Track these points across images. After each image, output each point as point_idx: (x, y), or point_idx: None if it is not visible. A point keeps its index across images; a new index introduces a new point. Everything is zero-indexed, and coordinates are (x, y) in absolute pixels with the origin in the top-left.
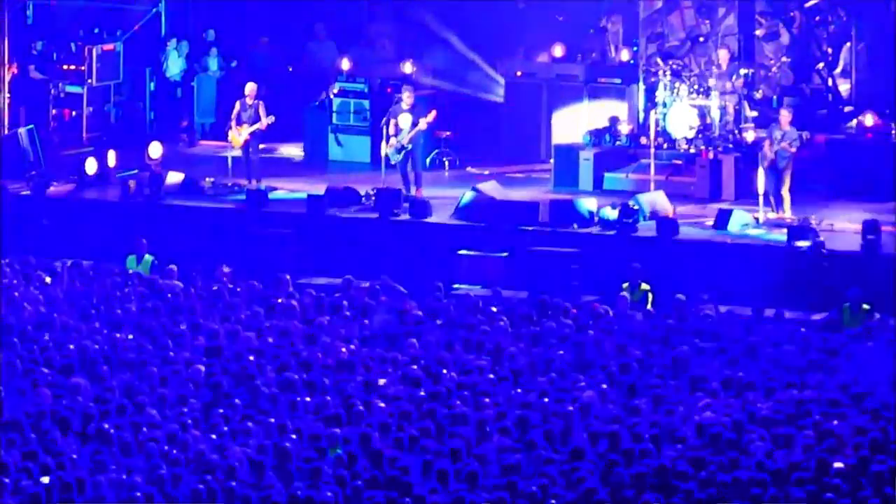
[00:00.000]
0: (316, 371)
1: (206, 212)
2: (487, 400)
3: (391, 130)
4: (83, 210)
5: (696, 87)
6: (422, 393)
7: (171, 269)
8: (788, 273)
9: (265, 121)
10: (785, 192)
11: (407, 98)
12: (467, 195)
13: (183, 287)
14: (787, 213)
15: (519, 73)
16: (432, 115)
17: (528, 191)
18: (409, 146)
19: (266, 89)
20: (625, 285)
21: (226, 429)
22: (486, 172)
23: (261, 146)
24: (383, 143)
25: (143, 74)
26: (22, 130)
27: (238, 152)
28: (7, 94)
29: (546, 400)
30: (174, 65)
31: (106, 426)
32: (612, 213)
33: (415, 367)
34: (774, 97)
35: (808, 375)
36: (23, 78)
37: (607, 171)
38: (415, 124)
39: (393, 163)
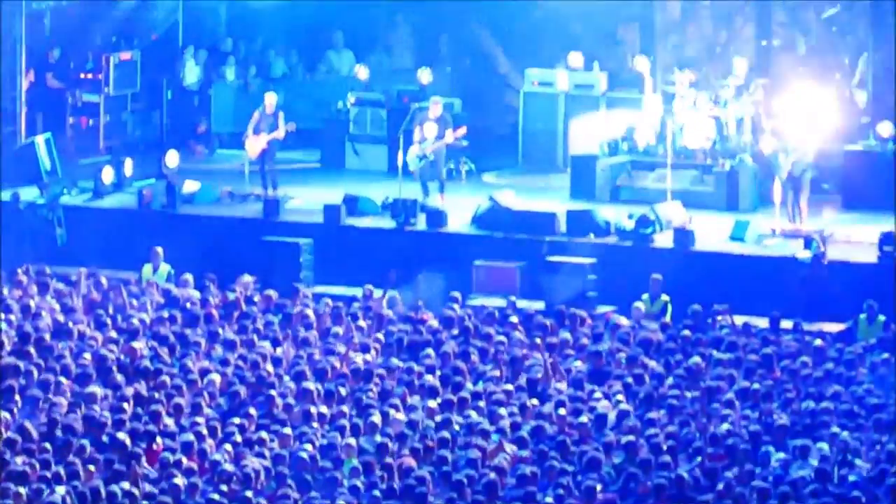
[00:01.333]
0: (332, 380)
1: (222, 221)
2: (503, 410)
3: (416, 137)
4: (99, 219)
5: (713, 97)
6: (438, 402)
7: (186, 279)
8: (805, 284)
9: (284, 128)
10: (802, 203)
11: (435, 108)
12: (484, 204)
13: (199, 296)
14: (804, 224)
15: (536, 83)
16: (462, 130)
17: (545, 200)
18: (432, 157)
19: (283, 99)
20: (644, 297)
21: (242, 438)
22: (503, 182)
23: (281, 158)
24: (400, 152)
25: (160, 83)
26: (39, 139)
27: (255, 161)
28: (24, 103)
29: (562, 411)
30: (191, 74)
31: (121, 435)
32: (628, 224)
33: (431, 377)
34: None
35: (825, 386)
36: (40, 86)
37: (624, 181)
38: (441, 136)
39: (412, 170)
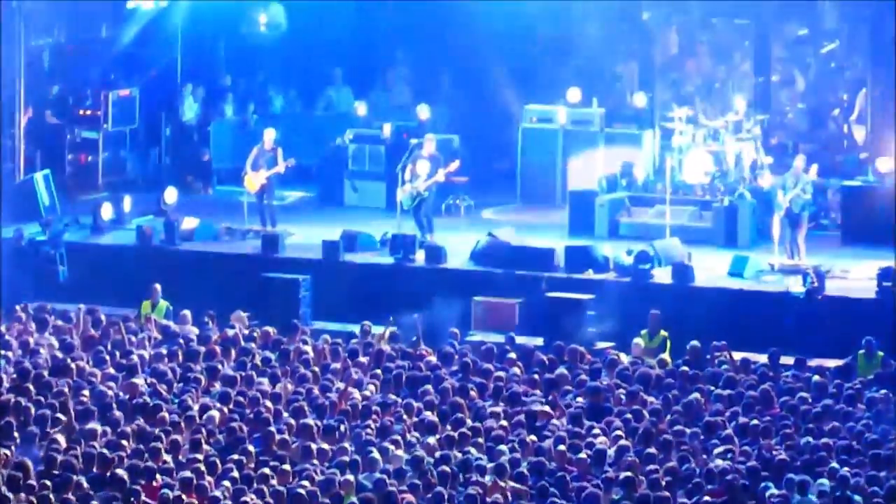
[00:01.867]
0: (331, 417)
1: (221, 257)
2: (503, 446)
3: (407, 176)
4: (98, 256)
5: (711, 132)
6: (437, 439)
7: (185, 315)
8: (803, 319)
9: (283, 164)
10: (800, 239)
11: (428, 146)
12: (482, 240)
13: (198, 333)
14: (803, 260)
15: (535, 119)
16: (454, 165)
17: (544, 236)
18: (426, 194)
19: (282, 135)
20: (643, 332)
21: (240, 474)
22: (502, 218)
23: (276, 192)
24: (399, 188)
25: (159, 120)
26: (38, 175)
27: (253, 197)
28: (23, 139)
29: (561, 447)
30: (189, 110)
31: (120, 472)
32: (627, 259)
33: (430, 413)
34: (790, 143)
35: (824, 422)
36: (39, 123)
37: (623, 216)
38: (432, 174)
39: (406, 208)
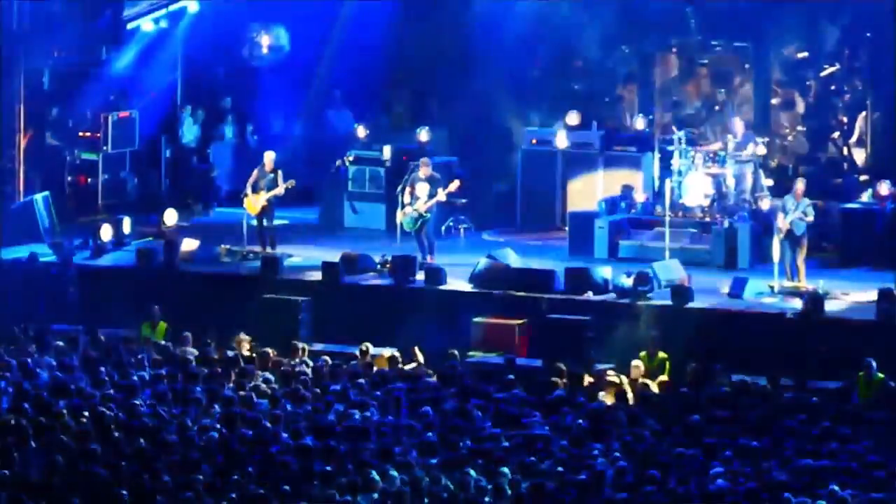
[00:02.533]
0: (330, 438)
1: (220, 278)
2: (503, 468)
3: (407, 199)
4: (98, 277)
5: (711, 155)
6: (436, 460)
7: (185, 337)
8: (803, 342)
9: (284, 185)
10: (800, 262)
11: (424, 169)
12: (482, 262)
13: (197, 354)
14: (803, 282)
15: (534, 141)
16: (454, 185)
17: (544, 258)
18: (427, 215)
19: (282, 157)
20: (642, 354)
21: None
22: (502, 240)
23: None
24: (398, 211)
25: (159, 142)
26: (38, 197)
27: (253, 219)
28: (22, 161)
29: (560, 469)
30: (189, 132)
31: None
32: (627, 281)
33: (430, 434)
34: (790, 166)
35: (823, 444)
36: (38, 144)
37: (622, 239)
38: (432, 194)
39: (408, 230)
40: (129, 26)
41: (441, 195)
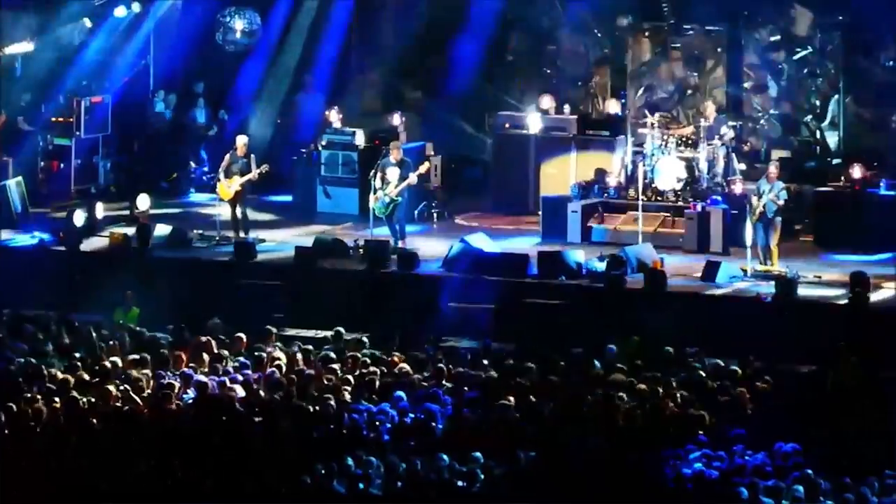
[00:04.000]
0: (304, 423)
1: (194, 264)
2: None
3: (378, 183)
4: (71, 262)
5: (684, 139)
6: (410, 444)
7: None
8: (776, 325)
9: (257, 170)
10: (773, 245)
11: (395, 152)
12: (455, 247)
13: (171, 339)
14: (776, 266)
15: (507, 126)
16: (425, 166)
17: (517, 242)
18: (398, 199)
19: (254, 141)
20: (616, 338)
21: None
22: (475, 224)
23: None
24: (371, 196)
25: (132, 126)
26: (10, 182)
27: (226, 204)
28: None
29: (533, 453)
30: (161, 116)
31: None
32: (600, 265)
33: (404, 419)
34: (763, 149)
35: (797, 428)
36: (11, 130)
37: (595, 222)
38: (403, 177)
39: (379, 215)
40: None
41: (412, 178)
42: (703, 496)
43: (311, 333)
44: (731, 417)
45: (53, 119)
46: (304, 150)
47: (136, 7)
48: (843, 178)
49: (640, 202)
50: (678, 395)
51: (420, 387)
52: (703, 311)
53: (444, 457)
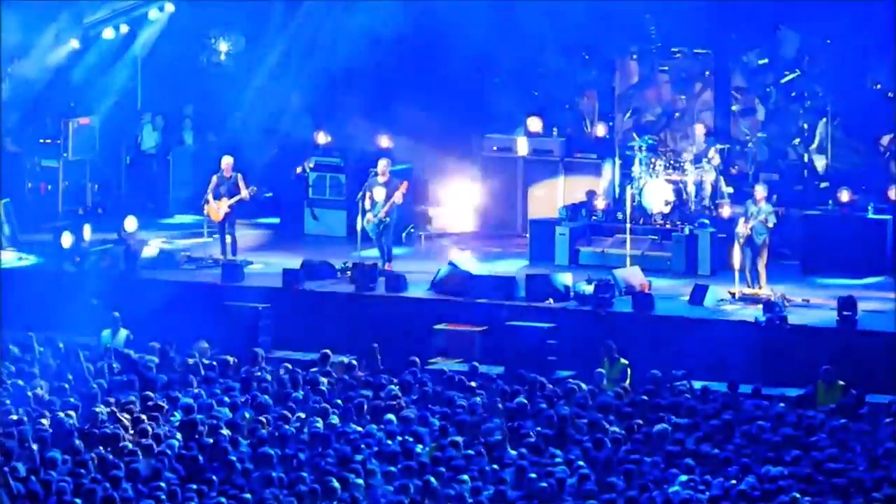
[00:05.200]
0: (291, 446)
1: (181, 285)
2: (464, 476)
3: (367, 205)
4: (59, 284)
5: (671, 162)
6: (398, 468)
7: (148, 344)
8: (764, 348)
9: (246, 192)
10: (761, 268)
11: (382, 171)
12: (443, 269)
13: (158, 361)
14: (763, 289)
15: (495, 148)
16: (404, 185)
17: (505, 265)
18: (387, 219)
19: (241, 163)
20: (605, 361)
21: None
22: (463, 246)
23: (237, 222)
24: (359, 218)
25: (119, 148)
26: None
27: (214, 226)
28: None
29: (521, 476)
30: (149, 138)
31: (79, 502)
32: (587, 288)
33: (390, 442)
34: (750, 172)
35: (783, 451)
36: None
37: (583, 245)
38: (389, 197)
39: (372, 237)
40: (91, 33)
41: (397, 196)
42: None
43: (297, 355)
44: (718, 441)
45: (41, 141)
46: (292, 172)
47: (123, 29)
48: (830, 201)
49: (628, 225)
50: (663, 418)
51: (407, 409)
52: (690, 334)
53: (432, 479)
